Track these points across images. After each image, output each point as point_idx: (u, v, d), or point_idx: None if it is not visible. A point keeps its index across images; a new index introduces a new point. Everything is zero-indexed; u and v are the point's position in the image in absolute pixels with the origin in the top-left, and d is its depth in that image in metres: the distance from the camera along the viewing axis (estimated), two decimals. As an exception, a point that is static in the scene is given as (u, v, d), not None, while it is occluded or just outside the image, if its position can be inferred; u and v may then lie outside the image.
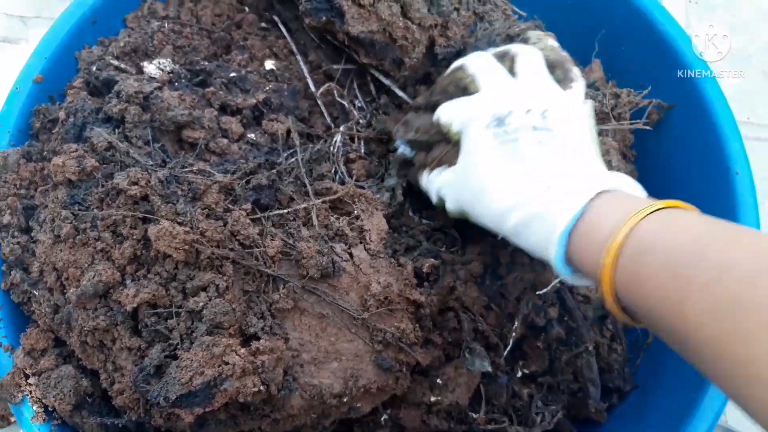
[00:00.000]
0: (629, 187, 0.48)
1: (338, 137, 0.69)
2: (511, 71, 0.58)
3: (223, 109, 0.70)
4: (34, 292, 0.57)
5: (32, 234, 0.60)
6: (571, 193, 0.46)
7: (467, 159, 0.54)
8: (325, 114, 0.74)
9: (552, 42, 0.62)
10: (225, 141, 0.66)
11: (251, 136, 0.69)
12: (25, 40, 1.05)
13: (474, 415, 0.66)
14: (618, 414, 0.72)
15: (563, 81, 0.57)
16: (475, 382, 0.65)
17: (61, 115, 0.63)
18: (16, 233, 0.62)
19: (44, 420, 0.56)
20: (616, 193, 0.46)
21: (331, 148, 0.69)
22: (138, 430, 0.56)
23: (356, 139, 0.72)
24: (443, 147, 0.59)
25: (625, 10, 0.78)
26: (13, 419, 0.83)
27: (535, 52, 0.58)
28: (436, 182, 0.59)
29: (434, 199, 0.60)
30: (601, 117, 0.74)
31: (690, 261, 0.37)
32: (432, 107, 0.61)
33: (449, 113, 0.57)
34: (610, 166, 0.72)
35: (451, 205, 0.57)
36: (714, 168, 0.70)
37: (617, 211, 0.43)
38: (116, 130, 0.61)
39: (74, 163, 0.55)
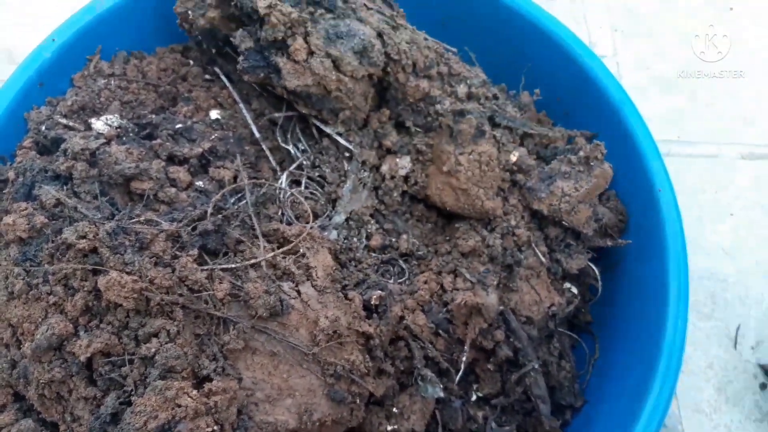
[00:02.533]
0: None
1: (284, 179, 0.72)
2: None
3: (171, 159, 0.72)
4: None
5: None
6: None
7: None
8: (271, 159, 0.77)
9: None
10: (173, 190, 0.68)
11: (199, 183, 0.71)
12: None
13: (431, 441, 0.68)
14: (572, 429, 0.75)
15: None
16: (430, 408, 0.67)
17: (11, 175, 0.65)
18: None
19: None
20: None
21: (277, 191, 0.71)
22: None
23: (301, 182, 0.75)
24: None
25: (547, 45, 0.84)
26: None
27: None
28: None
29: None
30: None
31: None
32: None
33: None
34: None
35: None
36: (639, 186, 0.74)
37: None
38: (65, 187, 0.63)
39: (24, 222, 0.57)
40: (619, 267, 0.79)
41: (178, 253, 0.56)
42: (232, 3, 0.71)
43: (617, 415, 0.71)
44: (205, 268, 0.57)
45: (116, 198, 0.66)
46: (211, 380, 0.53)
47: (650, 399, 0.67)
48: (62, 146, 0.65)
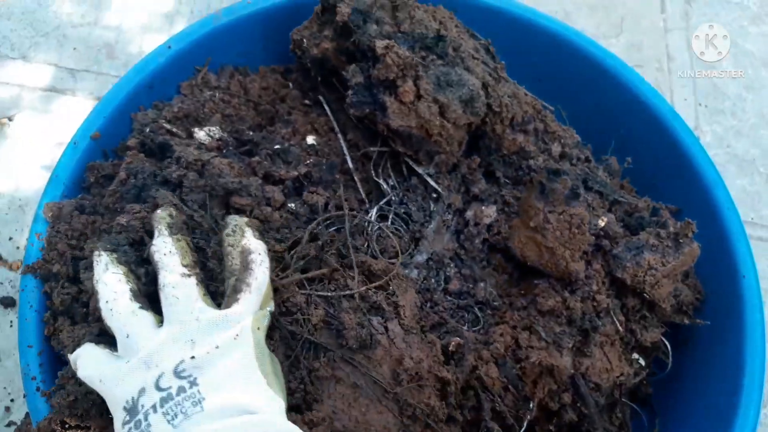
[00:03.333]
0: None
1: (374, 213, 0.73)
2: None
3: (266, 178, 0.74)
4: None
5: (82, 285, 0.63)
6: None
7: None
8: (360, 190, 0.79)
9: (248, 239, 0.58)
10: (269, 209, 0.70)
11: (291, 205, 0.73)
12: (72, 91, 1.10)
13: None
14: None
15: (231, 294, 0.53)
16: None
17: (122, 174, 0.67)
18: (65, 284, 0.65)
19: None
20: None
21: (366, 224, 0.73)
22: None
23: (388, 216, 0.76)
24: None
25: (641, 113, 0.84)
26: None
27: (186, 283, 0.52)
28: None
29: None
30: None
31: None
32: None
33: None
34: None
35: None
36: (722, 269, 0.74)
37: None
38: (174, 193, 0.65)
39: (138, 224, 0.59)
40: (688, 345, 0.79)
41: (280, 273, 0.58)
42: (350, 39, 0.73)
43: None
44: (304, 292, 0.58)
45: (214, 209, 0.69)
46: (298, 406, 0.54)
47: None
48: (175, 154, 0.68)
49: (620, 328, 0.71)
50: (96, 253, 0.56)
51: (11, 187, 1.03)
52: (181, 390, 0.46)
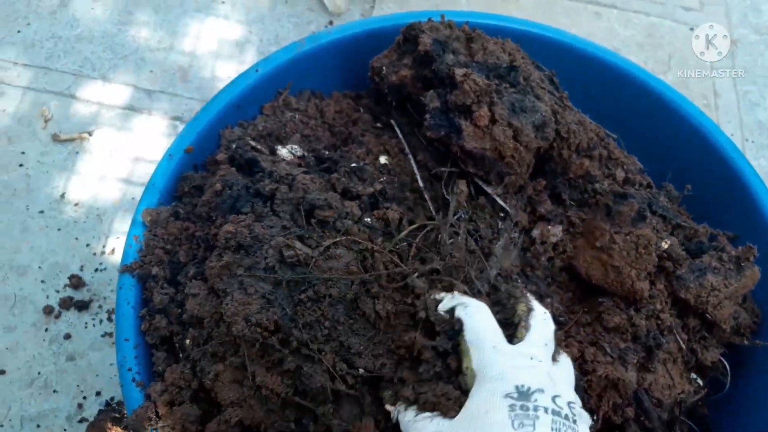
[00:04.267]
0: None
1: (445, 231, 0.77)
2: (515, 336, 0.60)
3: (344, 194, 0.79)
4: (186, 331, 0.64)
5: (181, 288, 0.68)
6: None
7: (470, 422, 0.52)
8: (430, 207, 0.83)
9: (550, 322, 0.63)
10: (349, 221, 0.74)
11: (367, 219, 0.78)
12: (148, 110, 1.17)
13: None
14: None
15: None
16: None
17: (217, 186, 0.72)
18: (164, 284, 0.70)
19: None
20: None
21: (439, 238, 0.77)
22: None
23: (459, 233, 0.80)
24: (441, 387, 0.57)
25: (699, 143, 0.88)
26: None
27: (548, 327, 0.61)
28: (432, 425, 0.54)
29: None
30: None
31: None
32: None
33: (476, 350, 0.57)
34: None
35: None
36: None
37: None
38: (266, 205, 0.70)
39: (246, 231, 0.64)
40: (744, 368, 0.81)
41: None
42: (429, 67, 0.78)
43: None
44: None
45: (300, 221, 0.73)
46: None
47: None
48: (267, 169, 0.73)
49: (683, 346, 0.74)
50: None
51: (89, 198, 1.09)
52: (567, 418, 0.51)
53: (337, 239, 0.66)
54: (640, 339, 0.73)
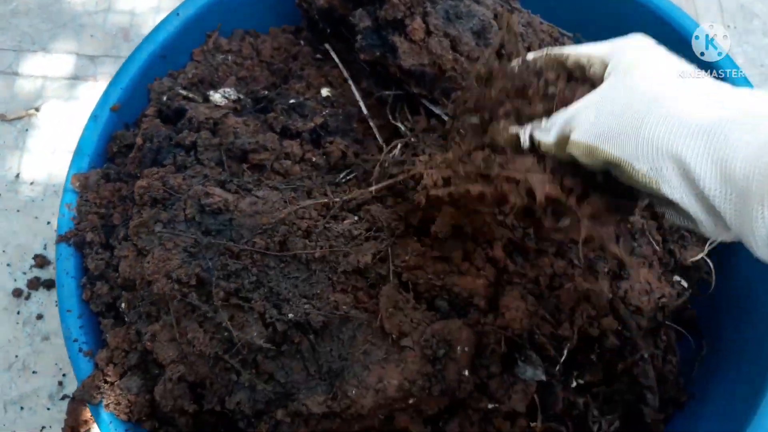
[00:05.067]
0: None
1: (396, 152, 0.72)
2: None
3: (284, 133, 0.74)
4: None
5: (115, 252, 0.65)
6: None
7: (630, 72, 0.42)
8: (378, 136, 0.78)
9: None
10: (288, 162, 0.70)
11: (313, 158, 0.73)
12: (93, 77, 1.12)
13: (532, 424, 0.67)
14: (673, 425, 0.72)
15: None
16: (532, 390, 0.66)
17: (138, 140, 0.68)
18: (99, 250, 0.66)
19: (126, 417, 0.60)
20: None
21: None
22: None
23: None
24: (570, 86, 0.47)
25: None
26: (82, 430, 0.87)
27: None
28: (562, 115, 0.45)
29: (553, 137, 0.46)
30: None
31: None
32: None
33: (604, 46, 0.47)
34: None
35: (583, 135, 0.43)
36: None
37: None
38: (189, 154, 0.66)
39: (159, 184, 0.60)
40: (731, 263, 0.76)
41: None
42: (354, -18, 0.72)
43: (724, 414, 0.68)
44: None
45: (234, 168, 0.69)
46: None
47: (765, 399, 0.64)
48: (187, 115, 0.68)
49: (657, 248, 0.69)
50: None
51: (44, 175, 1.05)
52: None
53: (258, 180, 0.61)
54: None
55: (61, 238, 0.69)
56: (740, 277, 0.75)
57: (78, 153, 0.73)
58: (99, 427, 0.62)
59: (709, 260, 0.74)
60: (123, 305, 0.62)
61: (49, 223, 1.02)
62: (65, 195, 0.71)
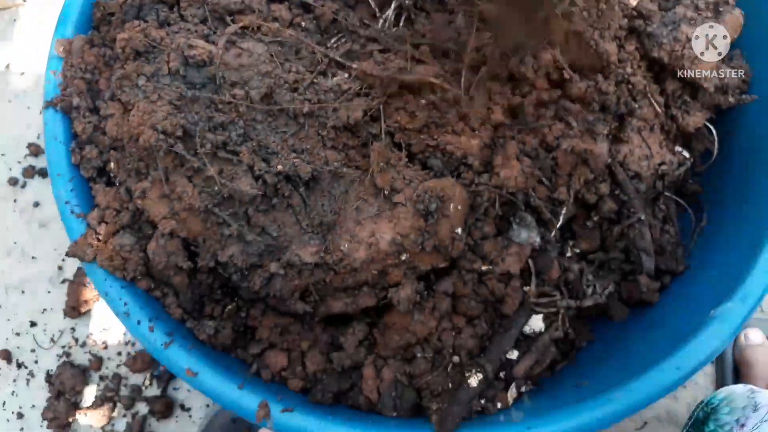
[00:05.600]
0: None
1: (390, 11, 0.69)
2: None
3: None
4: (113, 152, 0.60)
5: (101, 111, 0.63)
6: None
7: None
8: (371, 1, 0.75)
9: None
10: (276, 24, 0.67)
11: (300, 21, 0.70)
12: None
13: (525, 288, 0.67)
14: (669, 294, 0.72)
15: None
16: (526, 253, 0.65)
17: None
18: (86, 113, 0.65)
19: (121, 274, 0.60)
20: None
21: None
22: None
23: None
24: None
25: None
26: (83, 310, 0.88)
27: None
28: None
29: None
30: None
31: None
32: None
33: None
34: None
35: None
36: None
37: None
38: (173, 10, 0.64)
39: (141, 35, 0.57)
40: (734, 135, 0.74)
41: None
42: None
43: (718, 280, 0.68)
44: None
45: (219, 30, 0.66)
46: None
47: (759, 262, 0.63)
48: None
49: (659, 110, 0.67)
50: None
51: (34, 65, 1.03)
52: None
53: (240, 30, 0.59)
54: (610, 108, 0.67)
55: (48, 104, 0.67)
56: (744, 146, 0.73)
57: (62, 20, 0.71)
58: (95, 285, 0.62)
59: (712, 128, 0.71)
60: (112, 164, 0.61)
61: (41, 113, 1.00)
62: (50, 61, 0.69)
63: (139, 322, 0.59)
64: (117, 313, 0.60)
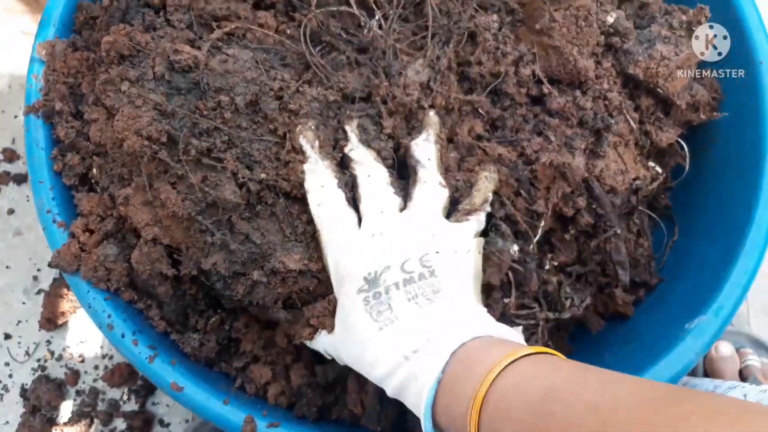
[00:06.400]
0: (500, 331, 0.48)
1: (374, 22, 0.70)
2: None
3: (257, 6, 0.72)
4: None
5: (84, 116, 0.63)
6: (436, 352, 0.44)
7: (342, 330, 0.51)
8: (355, 10, 0.76)
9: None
10: (261, 31, 0.68)
11: (285, 29, 0.71)
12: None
13: (505, 300, 0.68)
14: (644, 308, 0.74)
15: (459, 214, 0.57)
16: (506, 264, 0.66)
17: (105, 1, 0.65)
18: (69, 118, 0.64)
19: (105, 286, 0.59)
20: (482, 340, 0.45)
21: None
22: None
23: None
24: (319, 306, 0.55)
25: None
26: (59, 321, 0.87)
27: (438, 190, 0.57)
28: (321, 343, 0.55)
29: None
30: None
31: (539, 424, 0.36)
32: None
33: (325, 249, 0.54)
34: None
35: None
36: (738, 60, 0.71)
37: (479, 364, 0.42)
38: (159, 14, 0.64)
39: (125, 39, 0.57)
40: (707, 150, 0.77)
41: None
42: None
43: (692, 294, 0.70)
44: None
45: (204, 35, 0.67)
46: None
47: (731, 276, 0.65)
48: (159, -26, 0.65)
49: (634, 126, 0.69)
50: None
51: (9, 67, 1.02)
52: (421, 276, 0.50)
53: (226, 36, 0.60)
54: (587, 124, 0.68)
55: (29, 109, 0.66)
56: (716, 162, 0.75)
57: (43, 23, 0.70)
58: (77, 297, 0.62)
59: (684, 144, 0.74)
60: (95, 171, 0.61)
61: (16, 117, 0.99)
62: (31, 65, 0.68)
63: (123, 335, 0.58)
64: (100, 326, 0.59)
